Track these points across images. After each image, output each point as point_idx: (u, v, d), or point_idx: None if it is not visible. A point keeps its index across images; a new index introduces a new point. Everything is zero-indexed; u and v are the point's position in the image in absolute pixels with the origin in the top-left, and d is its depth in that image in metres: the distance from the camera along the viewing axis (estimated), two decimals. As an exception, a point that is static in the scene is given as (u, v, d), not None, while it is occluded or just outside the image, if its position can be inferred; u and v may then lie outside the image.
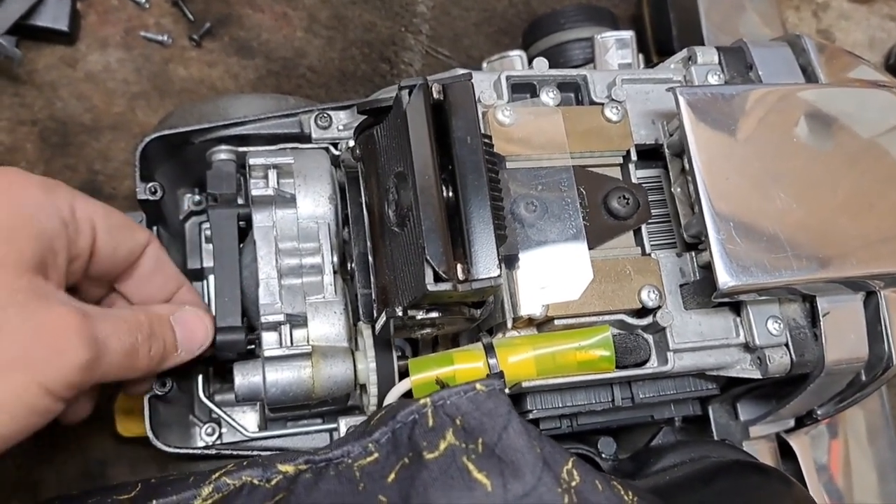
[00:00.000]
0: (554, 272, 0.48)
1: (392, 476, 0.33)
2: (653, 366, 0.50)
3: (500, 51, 0.78)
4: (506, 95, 0.52)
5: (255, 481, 0.36)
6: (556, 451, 0.35)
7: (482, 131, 0.44)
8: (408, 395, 0.47)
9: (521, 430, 0.35)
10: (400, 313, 0.43)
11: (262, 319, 0.51)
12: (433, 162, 0.42)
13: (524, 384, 0.47)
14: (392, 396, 0.47)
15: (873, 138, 0.52)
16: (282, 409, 0.54)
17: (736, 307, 0.51)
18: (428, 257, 0.40)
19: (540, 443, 0.35)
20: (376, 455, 0.35)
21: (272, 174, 0.54)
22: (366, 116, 0.48)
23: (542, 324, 0.49)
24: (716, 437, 0.59)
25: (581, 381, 0.49)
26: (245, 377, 0.51)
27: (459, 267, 0.41)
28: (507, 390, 0.46)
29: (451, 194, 0.43)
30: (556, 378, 0.48)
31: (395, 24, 0.85)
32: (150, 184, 0.57)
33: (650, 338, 0.51)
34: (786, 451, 0.66)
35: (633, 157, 0.53)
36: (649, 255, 0.51)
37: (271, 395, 0.50)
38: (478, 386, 0.36)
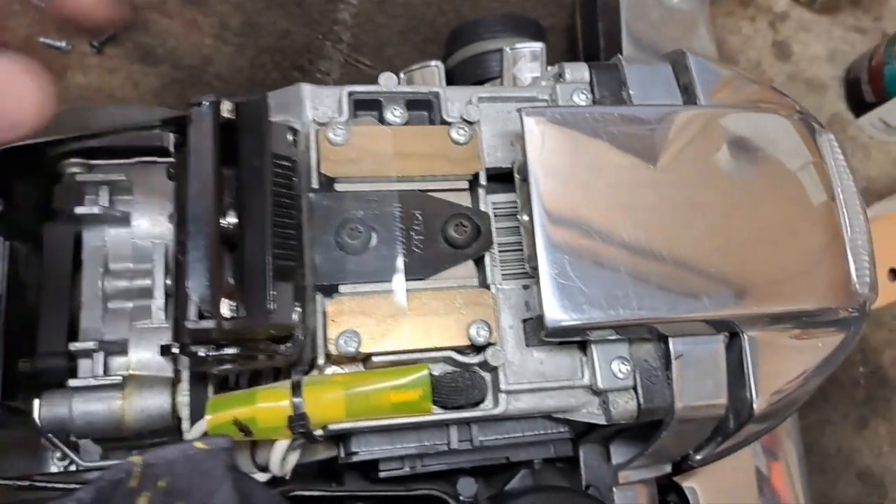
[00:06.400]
0: (370, 304, 0.44)
1: (78, 539, 0.31)
2: (487, 408, 0.46)
3: (427, 60, 0.75)
4: (346, 112, 0.48)
5: None
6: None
7: (281, 153, 0.41)
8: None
9: (231, 495, 0.31)
10: (176, 351, 0.40)
11: (71, 346, 0.48)
12: (213, 186, 0.39)
13: (333, 426, 0.44)
14: (192, 435, 0.44)
15: (743, 166, 0.48)
16: (108, 439, 0.51)
17: (583, 346, 0.47)
18: (189, 291, 0.37)
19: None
20: (75, 515, 0.32)
21: (104, 191, 0.51)
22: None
23: (365, 360, 0.46)
24: (584, 482, 0.55)
25: (402, 423, 0.45)
26: (50, 408, 0.48)
27: (226, 303, 0.37)
28: (316, 439, 0.42)
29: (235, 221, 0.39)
30: (370, 420, 0.44)
31: (312, 31, 0.82)
32: (-9, 198, 0.54)
33: (487, 376, 0.47)
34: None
35: (483, 181, 0.49)
36: (489, 286, 0.47)
37: (77, 428, 0.47)
38: (196, 444, 0.33)
